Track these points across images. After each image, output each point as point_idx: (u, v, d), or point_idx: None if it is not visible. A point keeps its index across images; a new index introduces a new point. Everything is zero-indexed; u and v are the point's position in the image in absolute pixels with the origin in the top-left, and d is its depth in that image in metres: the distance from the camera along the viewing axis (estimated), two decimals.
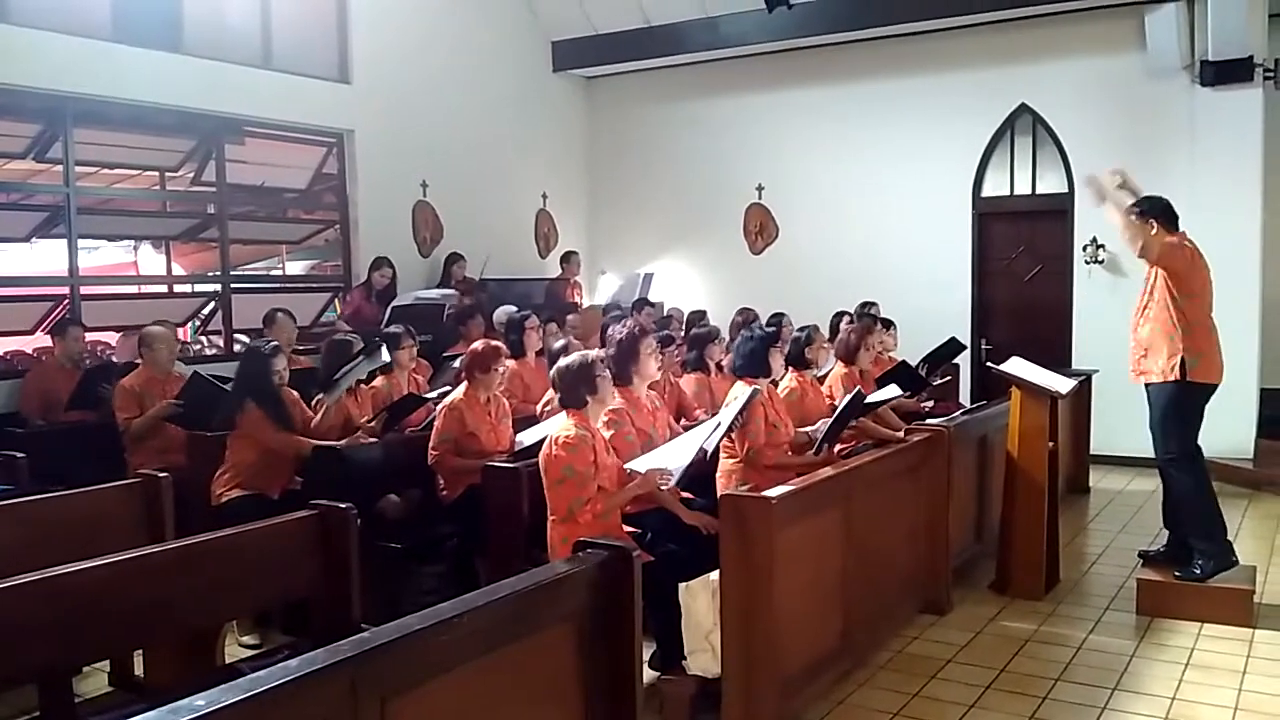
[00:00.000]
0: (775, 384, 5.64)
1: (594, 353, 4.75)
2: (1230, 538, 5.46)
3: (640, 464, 4.49)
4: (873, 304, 8.70)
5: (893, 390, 5.91)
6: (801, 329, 6.17)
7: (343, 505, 3.83)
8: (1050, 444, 5.68)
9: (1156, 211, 5.33)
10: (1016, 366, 5.90)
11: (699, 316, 9.15)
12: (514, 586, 2.83)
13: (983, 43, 9.81)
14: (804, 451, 5.42)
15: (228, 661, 4.16)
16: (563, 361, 4.62)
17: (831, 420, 5.30)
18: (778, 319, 8.02)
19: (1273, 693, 4.38)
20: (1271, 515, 7.47)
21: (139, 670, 4.36)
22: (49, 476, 5.09)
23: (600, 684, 3.03)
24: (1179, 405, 5.22)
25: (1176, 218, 5.36)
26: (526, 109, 11.21)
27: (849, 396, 5.38)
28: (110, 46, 7.62)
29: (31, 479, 5.10)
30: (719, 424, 4.78)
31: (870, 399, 5.71)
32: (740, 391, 5.18)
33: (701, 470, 5.21)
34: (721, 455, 5.28)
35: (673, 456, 4.49)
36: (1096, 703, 4.29)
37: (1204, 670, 4.64)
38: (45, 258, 8.37)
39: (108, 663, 4.54)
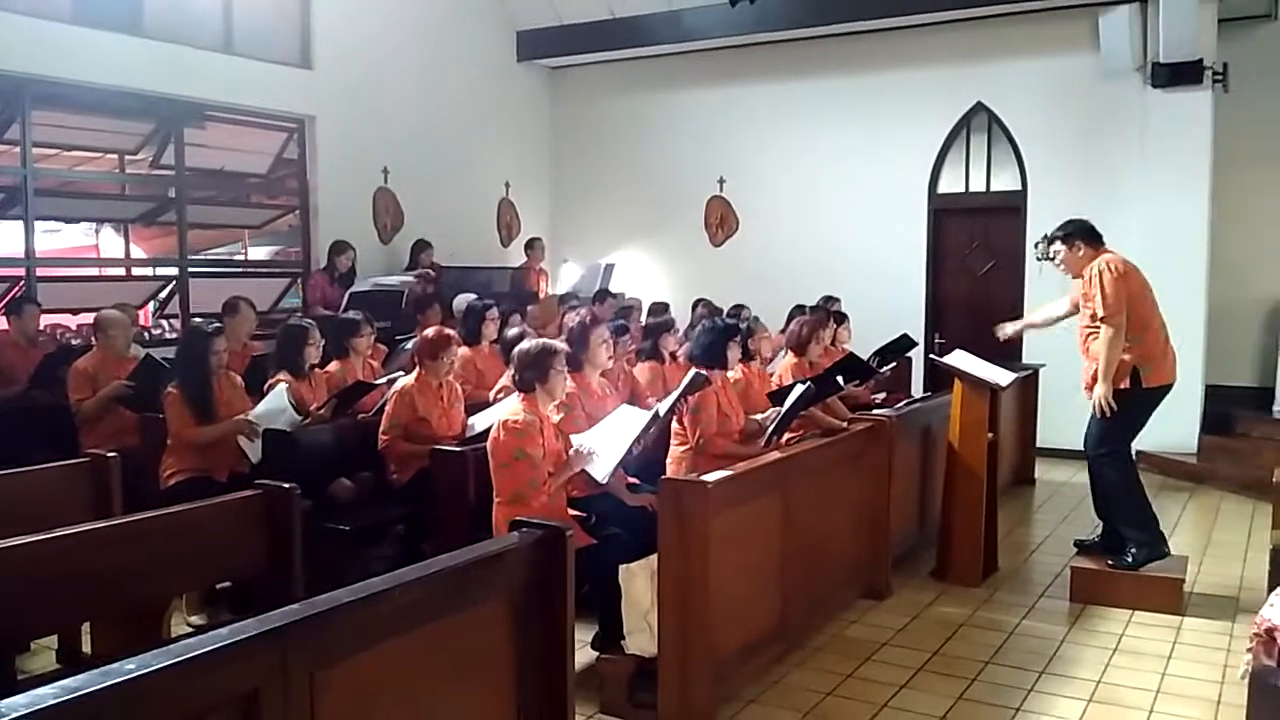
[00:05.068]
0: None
1: (559, 344, 4.77)
2: (1164, 529, 5.59)
3: (581, 440, 4.57)
4: (834, 299, 8.83)
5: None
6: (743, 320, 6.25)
7: (286, 485, 3.89)
8: (990, 435, 5.80)
9: (1080, 234, 5.42)
10: (958, 359, 5.99)
11: (662, 308, 9.20)
12: (447, 562, 2.87)
13: (941, 41, 9.96)
14: (755, 438, 5.49)
15: (173, 637, 4.21)
16: (525, 343, 4.69)
17: (783, 412, 5.36)
18: (737, 310, 8.13)
19: (1195, 676, 4.52)
20: (1210, 509, 7.67)
21: (86, 648, 4.40)
22: (1, 457, 5.09)
23: (532, 660, 3.09)
24: (1128, 410, 5.29)
25: (1099, 235, 5.45)
26: (490, 98, 11.25)
27: (799, 389, 5.45)
28: (69, 29, 7.61)
29: None
30: (655, 412, 4.83)
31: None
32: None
33: (653, 456, 5.31)
34: (673, 442, 5.36)
35: (607, 446, 4.55)
36: (1024, 685, 4.42)
37: (1131, 655, 4.77)
38: (2, 239, 8.33)
39: (55, 640, 4.58)
